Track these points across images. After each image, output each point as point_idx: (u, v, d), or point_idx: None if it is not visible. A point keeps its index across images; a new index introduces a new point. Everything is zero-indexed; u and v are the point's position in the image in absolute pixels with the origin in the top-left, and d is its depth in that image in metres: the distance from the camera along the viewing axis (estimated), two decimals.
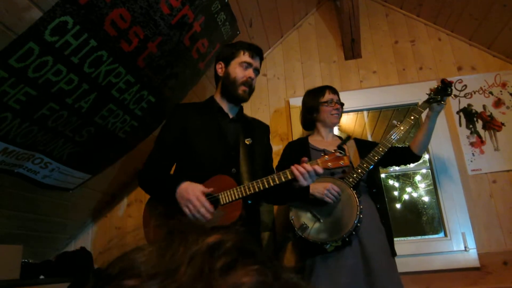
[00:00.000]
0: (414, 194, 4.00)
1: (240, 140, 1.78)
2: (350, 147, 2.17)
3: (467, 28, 2.82)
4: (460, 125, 2.72)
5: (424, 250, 2.47)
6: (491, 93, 2.75)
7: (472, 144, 2.66)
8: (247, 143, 1.78)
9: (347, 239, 1.84)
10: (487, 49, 2.84)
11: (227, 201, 1.58)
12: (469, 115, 2.73)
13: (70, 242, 2.82)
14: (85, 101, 1.80)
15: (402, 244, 2.47)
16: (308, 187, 1.66)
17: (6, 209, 2.10)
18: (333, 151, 1.61)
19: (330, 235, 1.85)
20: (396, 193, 4.05)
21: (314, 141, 2.21)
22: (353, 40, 2.90)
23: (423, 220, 3.79)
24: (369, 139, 2.95)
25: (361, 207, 1.88)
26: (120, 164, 2.53)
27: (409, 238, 2.66)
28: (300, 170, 1.54)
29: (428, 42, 2.97)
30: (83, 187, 2.40)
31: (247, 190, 1.58)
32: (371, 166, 1.98)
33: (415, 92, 2.80)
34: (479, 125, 2.70)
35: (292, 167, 1.56)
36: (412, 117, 2.05)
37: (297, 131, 2.84)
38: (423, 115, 2.23)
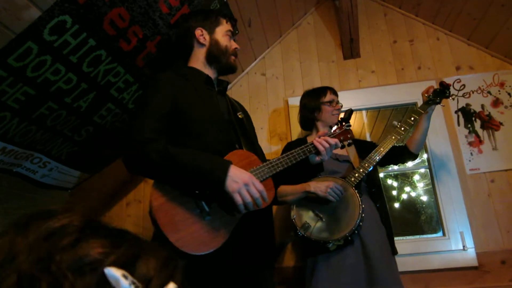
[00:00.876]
0: (413, 194, 4.01)
1: (232, 113, 1.63)
2: (350, 148, 2.17)
3: (466, 28, 2.83)
4: (459, 124, 2.73)
5: (423, 250, 2.47)
6: (489, 92, 2.75)
7: (470, 143, 2.67)
8: (240, 117, 1.65)
9: (349, 238, 1.85)
10: (485, 48, 2.85)
11: (260, 180, 1.38)
12: (467, 114, 2.74)
13: None
14: (84, 100, 1.80)
15: (401, 244, 2.48)
16: (321, 163, 1.65)
17: (4, 208, 2.09)
18: (339, 125, 1.65)
19: (332, 234, 1.85)
20: (394, 192, 4.06)
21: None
22: (351, 39, 2.90)
23: (422, 220, 3.80)
24: (368, 138, 2.95)
25: (363, 206, 1.88)
26: (118, 164, 2.53)
27: (407, 237, 2.66)
28: (324, 145, 1.53)
29: (427, 42, 2.97)
30: (81, 187, 2.40)
31: (275, 166, 1.44)
32: (372, 167, 1.99)
33: (414, 92, 2.81)
34: (477, 124, 2.70)
35: (315, 141, 1.54)
36: (412, 118, 2.07)
37: (296, 131, 2.84)
38: None
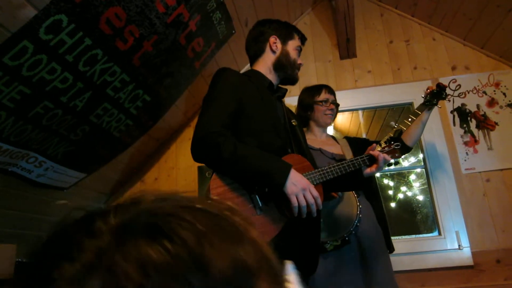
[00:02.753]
0: (409, 193, 4.02)
1: (287, 120, 1.68)
2: (344, 146, 2.17)
3: (461, 28, 2.84)
4: (454, 124, 2.74)
5: (419, 249, 2.48)
6: (484, 92, 2.77)
7: (466, 143, 2.68)
8: (294, 124, 1.70)
9: (346, 238, 1.85)
10: (481, 49, 2.87)
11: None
12: (463, 114, 2.75)
13: None
14: (80, 99, 1.79)
15: (397, 243, 2.48)
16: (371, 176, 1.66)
17: (0, 208, 2.08)
18: (389, 143, 1.67)
19: (330, 235, 1.85)
20: (391, 192, 4.07)
21: (308, 139, 2.20)
22: (348, 39, 2.91)
23: (418, 219, 3.81)
24: None
25: (361, 206, 1.89)
26: (115, 163, 2.52)
27: (403, 236, 2.67)
28: (381, 159, 1.54)
29: (423, 42, 2.99)
30: (77, 186, 2.39)
31: (327, 174, 1.47)
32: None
33: (410, 92, 2.82)
34: (473, 124, 2.72)
35: (375, 154, 1.56)
36: (410, 119, 2.06)
37: None
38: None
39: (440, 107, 2.11)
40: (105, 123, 2.06)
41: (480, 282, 2.36)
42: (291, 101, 2.85)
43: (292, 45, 1.74)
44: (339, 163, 1.53)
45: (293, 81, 1.77)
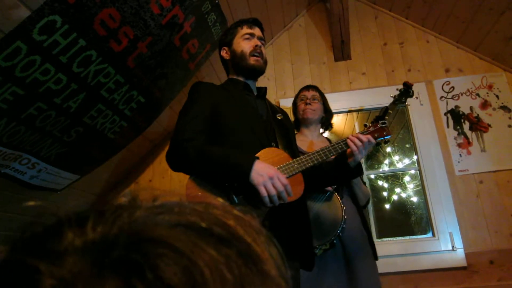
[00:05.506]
0: (403, 195, 4.04)
1: (271, 115, 1.69)
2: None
3: (455, 31, 2.86)
4: (448, 126, 2.76)
5: (412, 250, 2.49)
6: (478, 95, 2.79)
7: (459, 145, 2.70)
8: (279, 118, 1.71)
9: (334, 241, 1.83)
10: (474, 51, 2.89)
11: (288, 175, 1.42)
12: (456, 116, 2.77)
13: None
14: (74, 101, 1.78)
15: (391, 244, 2.49)
16: (360, 164, 1.61)
17: None
18: (374, 123, 1.60)
19: (318, 239, 1.82)
20: (385, 193, 4.09)
21: (299, 141, 2.18)
22: (342, 41, 2.92)
23: (412, 220, 3.83)
24: None
25: (345, 208, 1.88)
26: (109, 165, 2.51)
27: (397, 238, 2.68)
28: (356, 142, 1.49)
29: (417, 44, 3.01)
30: (71, 188, 2.38)
31: (305, 162, 1.46)
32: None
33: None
34: (466, 126, 2.74)
35: (348, 139, 1.52)
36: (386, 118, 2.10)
37: None
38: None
39: (409, 104, 2.12)
40: (99, 125, 2.04)
41: (474, 283, 2.38)
42: (285, 102, 2.85)
43: (237, 39, 1.72)
44: (318, 150, 1.50)
45: (253, 69, 1.70)
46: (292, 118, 2.41)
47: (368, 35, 3.10)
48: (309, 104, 2.17)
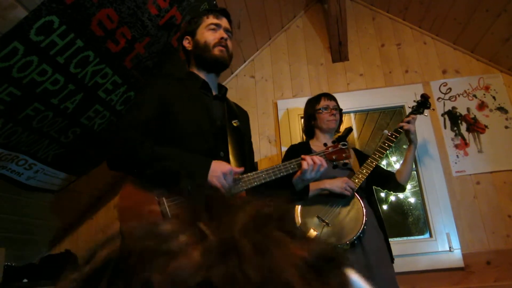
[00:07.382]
0: (401, 195, 4.04)
1: (226, 120, 1.58)
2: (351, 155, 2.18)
3: (452, 32, 2.87)
4: (445, 127, 2.77)
5: (410, 251, 2.50)
6: (475, 96, 2.80)
7: (456, 146, 2.71)
8: (235, 125, 1.59)
9: (355, 241, 1.85)
10: (470, 52, 2.90)
11: (237, 191, 1.38)
12: (453, 117, 2.78)
13: (55, 245, 2.78)
14: (71, 101, 1.78)
15: None
16: (308, 186, 1.56)
17: None
18: (335, 143, 1.57)
19: (339, 239, 1.83)
20: (382, 194, 4.10)
21: (315, 146, 2.19)
22: (340, 43, 2.93)
23: (409, 221, 3.83)
24: (356, 140, 2.98)
25: (365, 210, 1.89)
26: (106, 166, 2.50)
27: (395, 239, 2.68)
28: (308, 162, 1.45)
29: (414, 46, 3.01)
30: (68, 189, 2.37)
31: (255, 179, 1.40)
32: (370, 172, 2.01)
33: (401, 95, 2.84)
34: (463, 127, 2.75)
35: (302, 157, 1.47)
36: (393, 136, 2.17)
37: (285, 133, 2.85)
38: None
39: (427, 116, 2.20)
40: (96, 125, 2.04)
41: (471, 283, 2.38)
42: (283, 103, 2.85)
43: (201, 29, 1.61)
44: (267, 168, 1.44)
45: (216, 61, 1.58)
46: (301, 115, 2.39)
47: (366, 36, 3.11)
48: (334, 115, 2.21)
